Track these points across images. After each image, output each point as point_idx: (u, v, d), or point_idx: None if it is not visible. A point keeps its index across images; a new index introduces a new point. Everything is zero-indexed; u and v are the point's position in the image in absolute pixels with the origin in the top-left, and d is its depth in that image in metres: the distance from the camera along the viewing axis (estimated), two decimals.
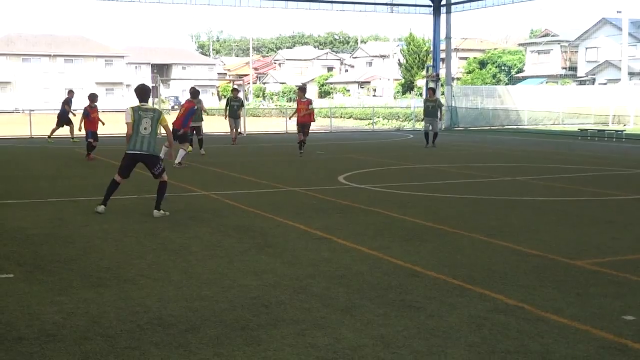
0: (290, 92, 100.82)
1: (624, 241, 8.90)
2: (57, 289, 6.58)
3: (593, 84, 69.14)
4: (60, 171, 17.44)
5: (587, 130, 33.66)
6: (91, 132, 20.61)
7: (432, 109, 25.48)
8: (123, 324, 5.57)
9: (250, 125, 36.33)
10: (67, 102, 28.29)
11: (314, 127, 26.14)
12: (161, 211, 10.55)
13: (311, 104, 21.59)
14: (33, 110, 36.68)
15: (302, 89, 22.61)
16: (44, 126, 31.43)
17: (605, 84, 66.89)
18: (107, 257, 7.91)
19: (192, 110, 18.04)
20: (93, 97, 21.36)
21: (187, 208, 11.38)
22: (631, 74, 64.38)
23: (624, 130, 33.06)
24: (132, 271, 7.24)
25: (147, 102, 10.84)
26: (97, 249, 8.32)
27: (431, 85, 38.50)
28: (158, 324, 5.56)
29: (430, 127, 25.62)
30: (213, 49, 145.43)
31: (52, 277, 7.02)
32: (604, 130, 33.32)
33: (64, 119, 28.04)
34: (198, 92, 19.03)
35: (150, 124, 10.56)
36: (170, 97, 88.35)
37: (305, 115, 21.24)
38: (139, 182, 13.33)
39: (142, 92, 10.78)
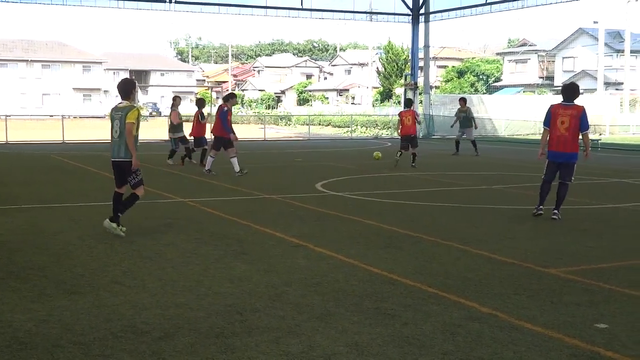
0: (269, 99, 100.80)
1: (597, 250, 8.97)
2: (30, 296, 6.53)
3: None
4: (35, 177, 17.30)
5: None
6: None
7: (464, 119, 26.08)
8: (96, 332, 5.53)
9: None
10: None
11: (291, 134, 26.09)
12: (114, 224, 9.40)
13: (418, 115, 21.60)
14: (9, 116, 36.44)
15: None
16: (20, 132, 31.22)
17: (582, 93, 67.36)
18: (81, 264, 7.86)
19: (224, 113, 17.34)
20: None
21: (164, 215, 11.33)
22: (607, 84, 65.00)
23: (600, 140, 33.36)
24: (107, 278, 7.20)
25: (128, 99, 9.52)
26: (72, 256, 8.26)
27: (409, 94, 38.69)
28: (132, 332, 5.53)
29: (465, 136, 26.27)
30: (192, 56, 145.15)
31: (25, 284, 6.96)
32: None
33: None
34: (230, 95, 18.44)
35: (119, 125, 9.43)
36: (149, 104, 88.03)
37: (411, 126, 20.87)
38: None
39: (121, 88, 9.59)
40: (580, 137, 11.20)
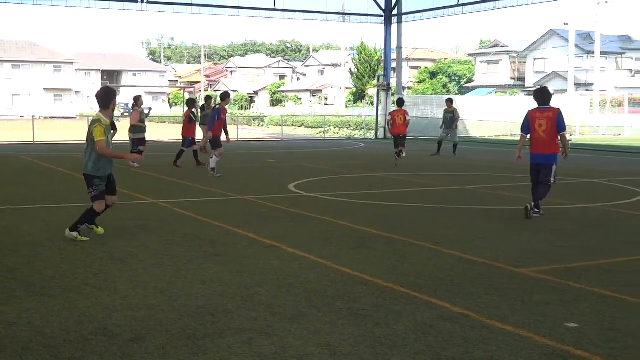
0: (242, 100, 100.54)
1: (568, 249, 9.06)
2: None
3: None
4: (4, 178, 17.12)
5: None
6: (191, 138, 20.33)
7: (450, 120, 26.24)
8: (67, 334, 5.49)
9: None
10: None
11: (264, 135, 26.12)
12: (74, 234, 9.07)
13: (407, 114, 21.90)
14: None
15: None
16: None
17: (553, 94, 68.02)
18: (52, 266, 7.80)
19: (215, 111, 17.31)
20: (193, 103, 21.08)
21: (135, 216, 11.27)
22: (577, 85, 65.64)
23: (570, 140, 33.56)
24: (78, 280, 7.15)
25: (107, 109, 9.02)
26: (42, 258, 8.19)
27: (382, 95, 38.83)
28: (103, 334, 5.50)
29: (449, 137, 26.39)
30: (164, 56, 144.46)
31: None
32: None
33: None
34: (225, 94, 18.13)
35: (87, 137, 9.16)
36: (120, 104, 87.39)
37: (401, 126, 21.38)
38: (85, 190, 13.16)
39: (99, 97, 9.07)
40: (559, 138, 11.42)
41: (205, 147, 19.93)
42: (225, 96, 17.92)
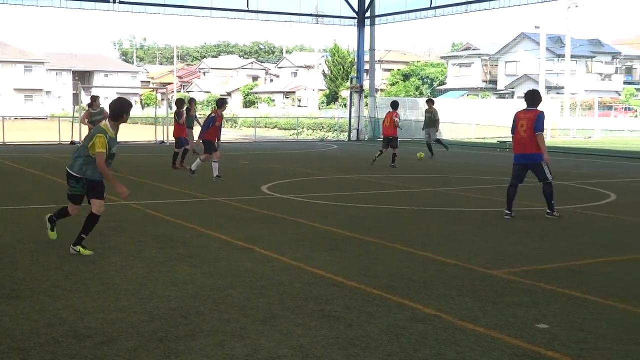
0: (214, 101, 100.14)
1: (539, 251, 9.13)
2: None
3: (512, 97, 70.88)
4: None
5: (505, 142, 34.42)
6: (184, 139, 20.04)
7: (428, 119, 26.64)
8: (37, 337, 5.43)
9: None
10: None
11: (237, 136, 26.09)
12: (77, 248, 8.47)
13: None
14: None
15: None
16: None
17: (524, 97, 68.56)
18: (21, 268, 7.72)
19: (210, 119, 16.88)
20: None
21: (107, 218, 11.14)
22: (548, 88, 66.25)
23: None
24: (48, 282, 7.08)
25: (117, 121, 8.41)
26: (12, 260, 8.11)
27: (355, 97, 38.91)
28: (73, 337, 5.45)
29: (429, 137, 26.61)
30: (136, 57, 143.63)
31: None
32: None
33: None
34: (222, 101, 17.86)
35: (85, 138, 8.77)
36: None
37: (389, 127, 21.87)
38: (56, 190, 13.06)
39: (112, 107, 8.54)
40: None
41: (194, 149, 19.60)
42: (222, 103, 17.58)
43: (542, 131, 11.67)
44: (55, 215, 8.85)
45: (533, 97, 11.82)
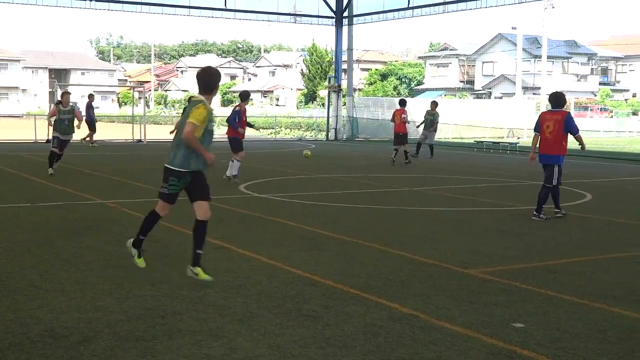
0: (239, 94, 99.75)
1: (515, 250, 9.19)
2: None
3: (489, 98, 71.29)
4: None
5: (482, 142, 34.63)
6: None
7: (429, 122, 26.53)
8: (12, 337, 5.39)
9: (151, 132, 35.80)
10: (91, 107, 29.77)
11: (215, 135, 25.94)
12: (197, 270, 7.10)
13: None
14: None
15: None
16: None
17: (501, 97, 69.11)
18: None
19: (236, 113, 16.22)
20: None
21: (83, 217, 11.12)
22: (525, 88, 66.72)
23: (518, 143, 34.14)
24: (23, 282, 7.02)
25: (209, 94, 7.17)
26: None
27: (333, 97, 38.93)
28: (49, 336, 5.41)
29: (427, 140, 26.60)
30: (113, 55, 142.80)
31: None
32: (499, 143, 34.39)
33: (92, 123, 29.55)
34: (246, 95, 16.86)
35: (179, 122, 7.48)
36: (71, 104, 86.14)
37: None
38: (32, 190, 12.96)
39: (200, 78, 7.24)
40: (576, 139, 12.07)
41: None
42: (246, 96, 16.76)
43: (579, 131, 12.01)
44: (141, 233, 7.50)
45: (558, 99, 12.03)
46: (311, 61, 79.40)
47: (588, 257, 8.98)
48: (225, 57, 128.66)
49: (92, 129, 29.52)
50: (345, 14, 39.77)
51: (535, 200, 12.00)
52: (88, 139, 29.42)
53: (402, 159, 22.44)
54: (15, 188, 14.68)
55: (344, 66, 41.53)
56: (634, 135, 51.45)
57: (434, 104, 27.14)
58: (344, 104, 40.38)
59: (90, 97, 30.51)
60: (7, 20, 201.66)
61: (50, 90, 74.08)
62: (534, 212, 11.81)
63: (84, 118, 27.06)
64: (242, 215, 11.63)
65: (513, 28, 70.85)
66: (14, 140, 31.97)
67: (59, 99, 18.89)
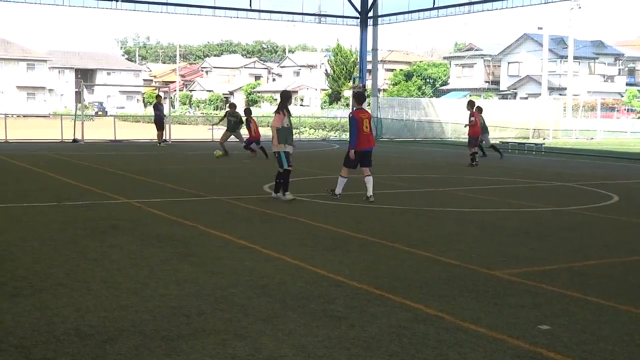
0: (217, 100, 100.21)
1: (540, 252, 9.12)
2: None
3: (515, 98, 70.88)
4: None
5: (508, 143, 34.42)
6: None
7: (482, 125, 26.36)
8: (39, 335, 5.43)
9: (176, 132, 35.98)
10: (157, 107, 31.32)
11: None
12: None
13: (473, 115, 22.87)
14: None
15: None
16: None
17: (526, 98, 68.69)
18: (23, 265, 7.71)
19: (354, 122, 13.93)
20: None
21: (108, 216, 11.19)
22: (551, 89, 66.25)
23: (544, 144, 33.93)
24: (50, 280, 7.08)
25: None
26: (13, 257, 8.10)
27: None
28: (75, 335, 5.45)
29: (484, 142, 26.58)
30: (139, 55, 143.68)
31: None
32: (524, 144, 34.20)
33: (160, 123, 31.09)
34: (288, 95, 15.20)
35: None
36: (94, 103, 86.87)
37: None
38: (58, 189, 13.07)
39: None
40: None
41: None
42: (289, 96, 15.37)
43: None
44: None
45: None
46: (336, 61, 79.39)
47: (614, 258, 8.89)
48: (250, 57, 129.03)
49: (160, 128, 31.04)
50: (370, 14, 39.74)
51: (558, 201, 11.91)
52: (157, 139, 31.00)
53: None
54: (42, 187, 14.80)
55: (369, 66, 41.50)
56: None
57: (479, 109, 27.02)
58: (369, 104, 40.31)
59: (158, 97, 32.16)
60: (34, 20, 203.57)
61: (77, 90, 74.70)
62: None
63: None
64: (266, 215, 11.64)
65: (539, 28, 70.46)
66: (41, 140, 32.24)
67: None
